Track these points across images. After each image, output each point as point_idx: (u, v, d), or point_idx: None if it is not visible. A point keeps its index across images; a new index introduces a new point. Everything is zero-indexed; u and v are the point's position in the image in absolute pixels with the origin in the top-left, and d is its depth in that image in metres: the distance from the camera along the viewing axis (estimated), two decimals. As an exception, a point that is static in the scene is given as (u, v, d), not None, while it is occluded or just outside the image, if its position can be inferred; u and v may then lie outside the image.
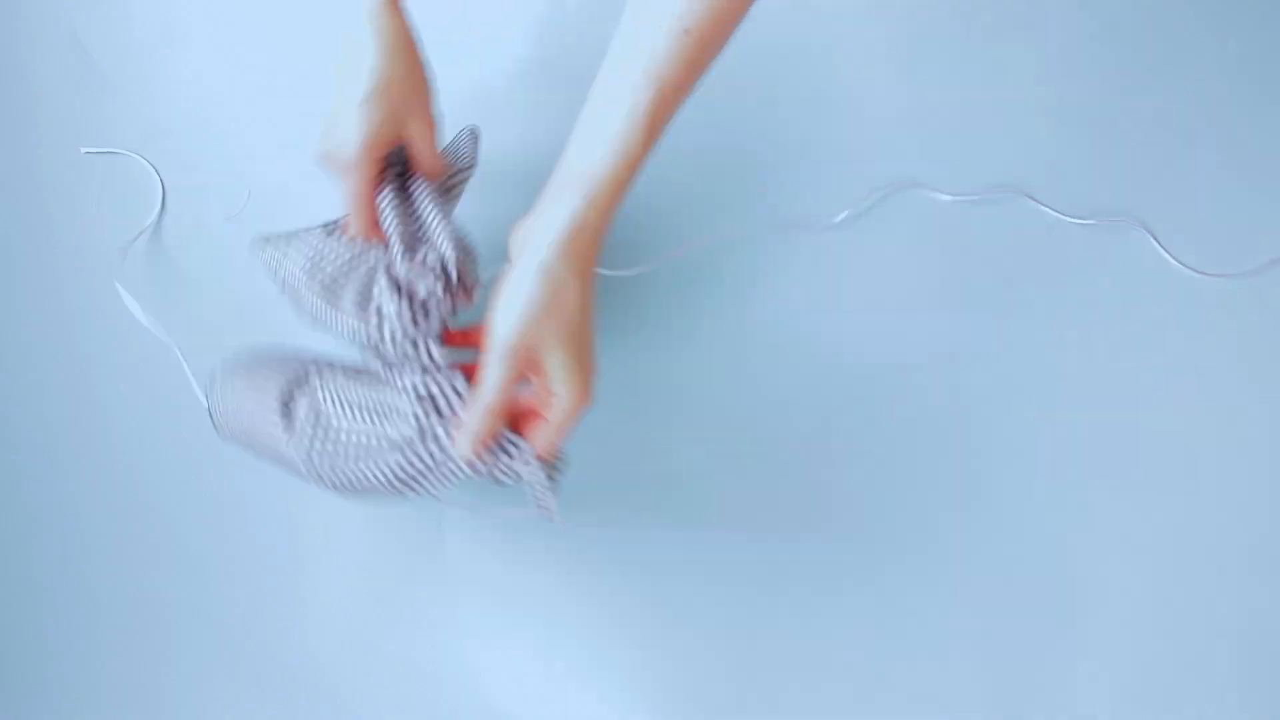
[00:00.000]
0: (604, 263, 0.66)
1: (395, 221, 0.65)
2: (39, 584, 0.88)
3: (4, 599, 0.88)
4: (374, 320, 0.62)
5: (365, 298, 0.64)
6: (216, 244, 0.92)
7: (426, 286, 0.62)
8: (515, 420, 0.59)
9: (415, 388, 0.60)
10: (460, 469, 0.60)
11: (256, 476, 0.86)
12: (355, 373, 0.66)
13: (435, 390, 0.60)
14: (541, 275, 0.54)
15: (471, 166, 0.75)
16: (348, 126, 0.62)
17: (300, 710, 0.84)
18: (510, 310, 0.54)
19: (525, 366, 0.56)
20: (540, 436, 0.58)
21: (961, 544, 0.84)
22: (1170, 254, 0.87)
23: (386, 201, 0.66)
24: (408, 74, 0.63)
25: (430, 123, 0.65)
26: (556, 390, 0.56)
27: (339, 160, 0.63)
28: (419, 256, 0.63)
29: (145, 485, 0.88)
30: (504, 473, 0.59)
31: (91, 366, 0.91)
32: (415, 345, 0.61)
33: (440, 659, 0.85)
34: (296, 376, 0.67)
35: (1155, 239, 0.87)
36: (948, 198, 0.90)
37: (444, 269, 0.63)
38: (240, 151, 0.94)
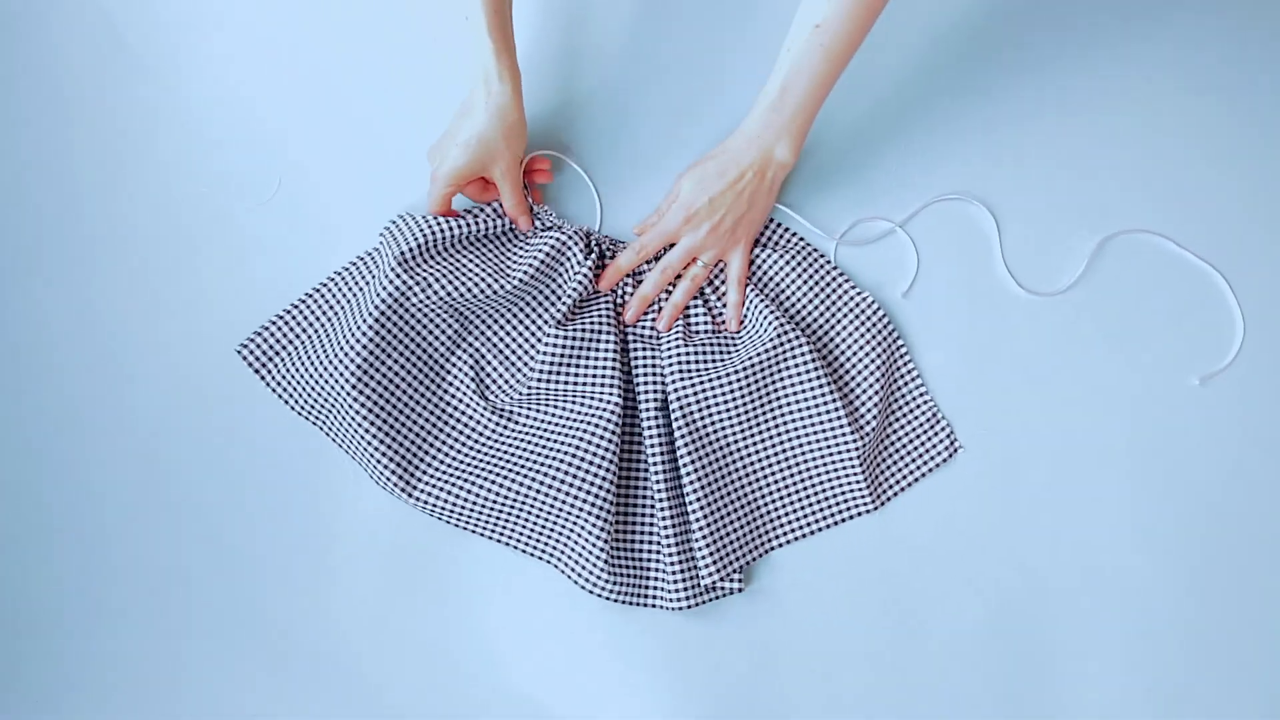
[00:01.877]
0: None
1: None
2: (69, 568, 0.90)
3: (31, 582, 0.89)
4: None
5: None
6: (246, 230, 0.93)
7: None
8: None
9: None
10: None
11: (285, 462, 0.89)
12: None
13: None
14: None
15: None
16: (446, 156, 0.85)
17: (325, 692, 0.87)
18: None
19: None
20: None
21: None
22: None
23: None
24: (504, 134, 0.84)
25: (512, 169, 0.87)
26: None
27: (434, 174, 0.86)
28: None
29: (174, 470, 0.90)
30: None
31: (118, 350, 0.91)
32: None
33: (465, 644, 0.87)
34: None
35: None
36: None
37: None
38: (272, 138, 0.94)
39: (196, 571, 0.88)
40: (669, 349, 0.85)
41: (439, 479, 0.85)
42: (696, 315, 0.88)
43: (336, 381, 0.84)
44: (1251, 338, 0.90)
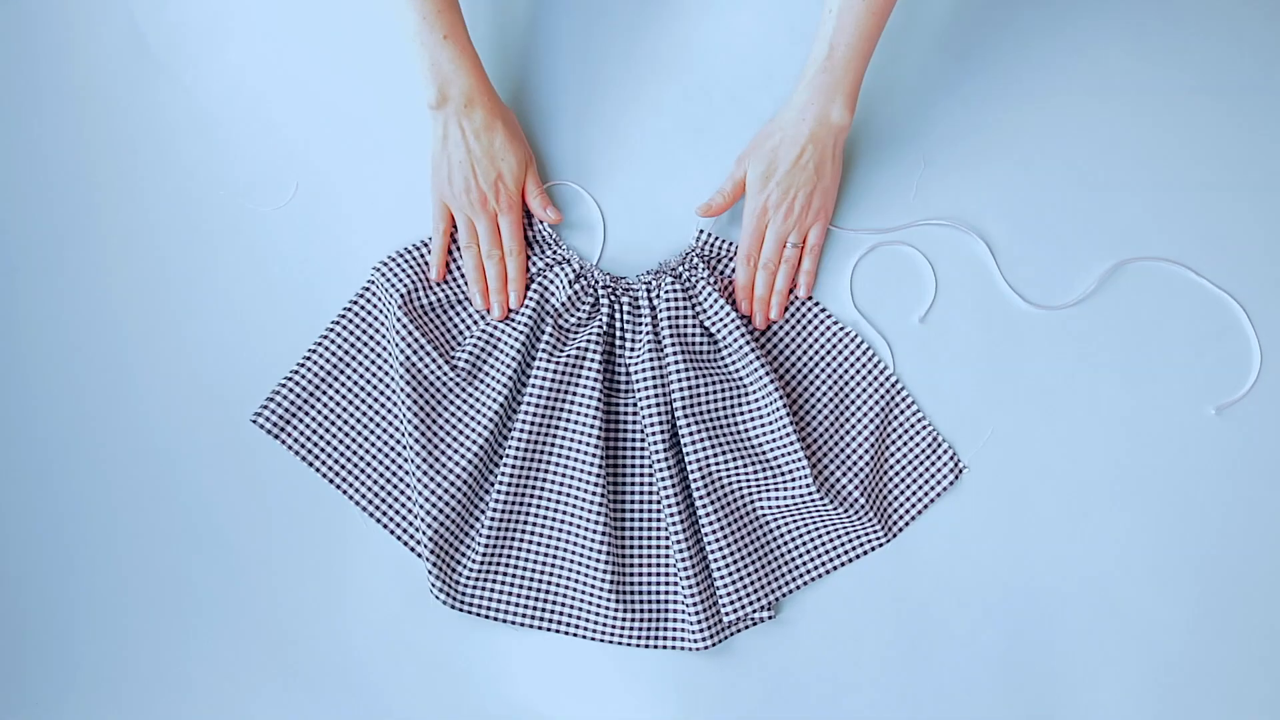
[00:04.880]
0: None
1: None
2: (74, 573, 0.88)
3: (39, 587, 0.88)
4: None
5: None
6: (263, 234, 0.92)
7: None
8: None
9: None
10: None
11: (295, 473, 0.88)
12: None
13: None
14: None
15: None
16: (510, 183, 0.86)
17: (329, 701, 0.86)
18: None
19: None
20: None
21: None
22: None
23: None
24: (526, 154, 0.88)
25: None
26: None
27: (507, 198, 0.86)
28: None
29: (183, 478, 0.89)
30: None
31: (133, 352, 0.91)
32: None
33: (470, 655, 0.86)
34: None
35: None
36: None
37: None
38: (290, 142, 0.94)
39: (202, 577, 0.88)
40: (677, 383, 0.83)
41: (475, 578, 0.85)
42: (690, 328, 0.86)
43: (414, 488, 0.84)
44: (1269, 367, 0.89)
